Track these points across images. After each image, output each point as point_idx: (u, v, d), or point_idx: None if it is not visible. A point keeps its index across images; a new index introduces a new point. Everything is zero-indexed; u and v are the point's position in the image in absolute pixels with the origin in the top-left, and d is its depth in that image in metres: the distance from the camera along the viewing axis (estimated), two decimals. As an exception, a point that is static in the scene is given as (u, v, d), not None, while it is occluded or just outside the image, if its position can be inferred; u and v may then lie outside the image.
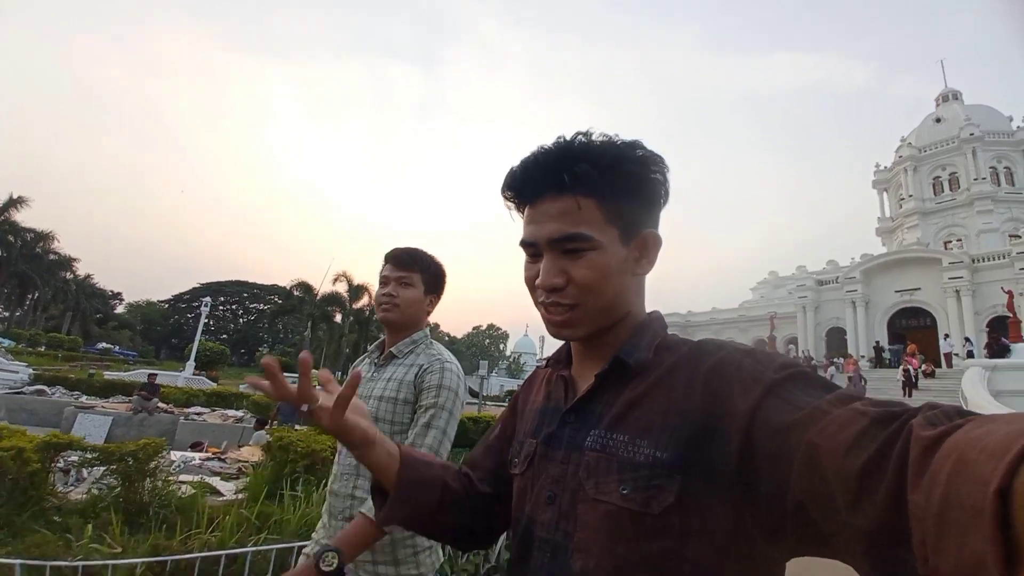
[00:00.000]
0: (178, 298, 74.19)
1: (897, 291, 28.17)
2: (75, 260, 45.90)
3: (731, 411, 0.55)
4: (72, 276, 47.05)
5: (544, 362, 0.87)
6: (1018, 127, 33.67)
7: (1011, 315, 20.15)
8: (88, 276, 50.49)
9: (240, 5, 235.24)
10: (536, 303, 0.74)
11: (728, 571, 0.55)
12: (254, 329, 76.91)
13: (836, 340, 29.84)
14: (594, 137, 0.69)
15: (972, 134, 32.57)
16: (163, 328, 69.72)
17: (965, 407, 0.42)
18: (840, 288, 29.97)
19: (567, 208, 0.67)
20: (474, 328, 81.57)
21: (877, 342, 26.53)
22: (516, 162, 0.72)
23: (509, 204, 0.75)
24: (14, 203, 37.87)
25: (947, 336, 24.31)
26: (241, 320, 76.52)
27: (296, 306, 30.95)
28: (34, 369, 16.70)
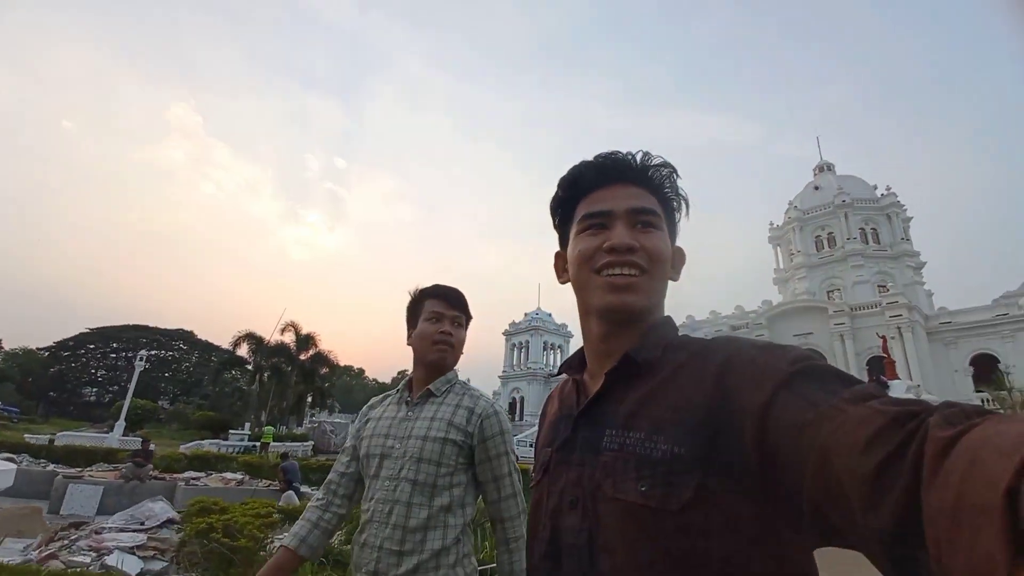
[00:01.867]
0: (61, 345, 66.16)
1: (795, 335, 32.59)
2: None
3: (745, 406, 0.55)
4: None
5: (553, 372, 1.16)
6: (882, 194, 40.29)
7: (886, 356, 24.08)
8: (-40, 323, 44.47)
9: (144, 26, 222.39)
10: (590, 273, 0.75)
11: (756, 565, 0.55)
12: (152, 379, 70.33)
13: (748, 379, 33.60)
14: (654, 157, 0.79)
15: (844, 201, 38.88)
16: (42, 379, 61.73)
17: None
18: (750, 332, 34.14)
19: (642, 194, 0.77)
20: (400, 373, 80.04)
21: (782, 381, 30.23)
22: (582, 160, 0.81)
23: (569, 190, 0.82)
24: None
25: (837, 374, 28.41)
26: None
27: (244, 359, 29.72)
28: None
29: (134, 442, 20.09)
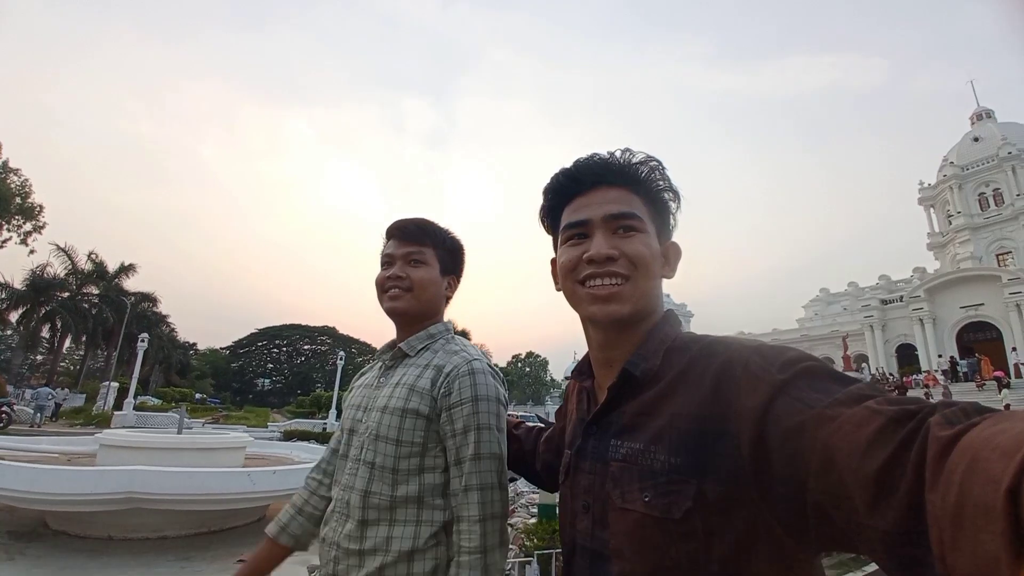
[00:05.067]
0: (238, 344, 77.31)
1: (962, 307, 30.04)
2: (167, 316, 49.78)
3: (739, 412, 0.56)
4: (163, 332, 50.80)
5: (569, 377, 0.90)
6: (1053, 143, 35.31)
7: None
8: (173, 330, 54.24)
9: (255, 55, 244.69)
10: (575, 284, 0.77)
11: (757, 569, 0.56)
12: (306, 369, 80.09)
13: (906, 355, 31.68)
14: (635, 153, 0.79)
15: (1010, 152, 34.65)
16: (227, 374, 72.97)
17: None
18: (905, 306, 31.90)
19: (622, 196, 0.76)
20: (514, 356, 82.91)
21: (952, 357, 28.22)
22: (565, 166, 0.81)
23: (552, 199, 0.83)
24: (125, 270, 41.57)
25: (1014, 349, 26.23)
26: (296, 361, 79.62)
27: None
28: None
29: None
